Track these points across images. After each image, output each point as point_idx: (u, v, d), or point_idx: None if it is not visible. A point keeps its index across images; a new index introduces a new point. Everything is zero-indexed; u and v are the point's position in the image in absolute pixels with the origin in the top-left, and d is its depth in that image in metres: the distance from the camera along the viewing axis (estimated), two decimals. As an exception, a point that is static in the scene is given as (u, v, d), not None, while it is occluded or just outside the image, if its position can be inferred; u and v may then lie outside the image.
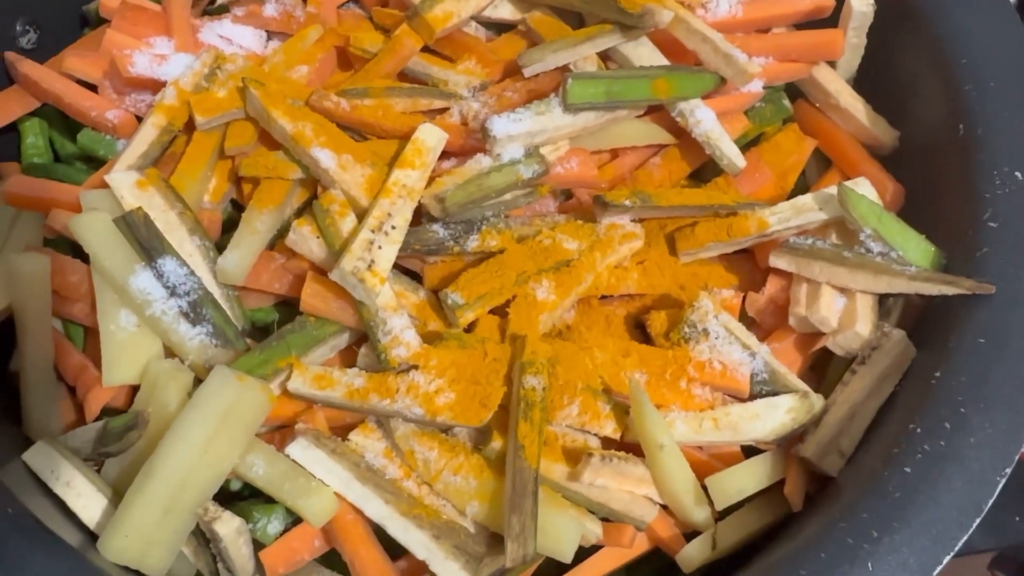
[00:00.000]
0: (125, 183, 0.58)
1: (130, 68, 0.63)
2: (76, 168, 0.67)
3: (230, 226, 0.63)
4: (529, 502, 0.51)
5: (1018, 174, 0.58)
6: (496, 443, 0.53)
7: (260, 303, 0.61)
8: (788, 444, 0.58)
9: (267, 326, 0.62)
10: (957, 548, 0.48)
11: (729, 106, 0.66)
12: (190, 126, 0.63)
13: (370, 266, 0.54)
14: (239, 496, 0.60)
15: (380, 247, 0.55)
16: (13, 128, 0.69)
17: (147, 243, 0.57)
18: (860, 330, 0.58)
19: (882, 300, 0.60)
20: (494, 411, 0.53)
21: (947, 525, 0.48)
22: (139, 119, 0.65)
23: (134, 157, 0.60)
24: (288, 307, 0.62)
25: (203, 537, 0.55)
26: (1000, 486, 0.50)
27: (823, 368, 0.63)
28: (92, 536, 0.55)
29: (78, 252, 0.61)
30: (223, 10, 0.71)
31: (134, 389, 0.59)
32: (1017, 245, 0.56)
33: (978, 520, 0.49)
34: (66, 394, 0.62)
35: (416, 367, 0.54)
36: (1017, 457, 0.50)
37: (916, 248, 0.59)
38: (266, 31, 0.71)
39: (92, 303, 0.60)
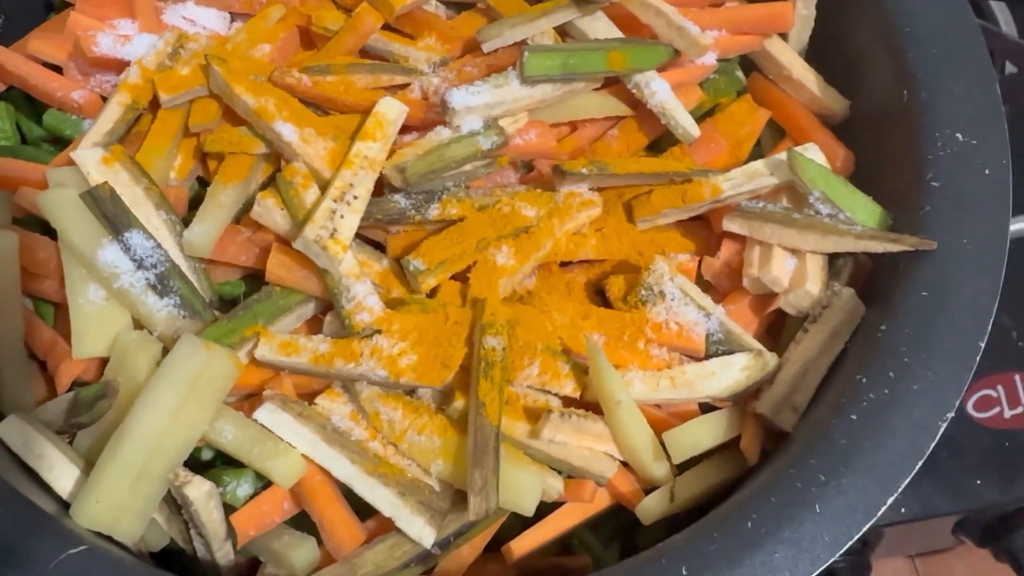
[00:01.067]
0: (91, 159, 0.59)
1: (94, 48, 0.64)
2: (43, 150, 0.68)
3: (196, 203, 0.64)
4: (491, 458, 0.52)
5: (959, 135, 0.60)
6: (459, 403, 0.55)
7: (227, 276, 0.63)
8: (744, 401, 0.60)
9: (234, 299, 0.63)
10: (900, 489, 0.50)
11: (684, 78, 0.68)
12: (155, 105, 0.64)
13: (332, 234, 0.56)
14: (211, 465, 0.61)
15: (342, 216, 0.57)
16: (-20, 113, 0.70)
17: (113, 217, 0.58)
18: (810, 288, 0.60)
19: (832, 260, 0.63)
20: (455, 371, 0.54)
21: (891, 468, 0.51)
22: (104, 99, 0.66)
23: (100, 135, 0.61)
24: (255, 280, 0.63)
25: (175, 504, 0.56)
26: (941, 431, 0.52)
27: (778, 331, 0.65)
28: (66, 507, 0.56)
29: (47, 231, 0.62)
30: (187, -8, 0.72)
31: (104, 362, 0.60)
32: (958, 202, 0.58)
33: (920, 462, 0.51)
34: (38, 371, 0.63)
35: (379, 331, 0.56)
36: (957, 403, 0.52)
37: (863, 209, 0.61)
38: (229, 12, 0.72)
39: (61, 279, 0.61)
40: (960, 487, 0.77)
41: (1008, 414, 0.80)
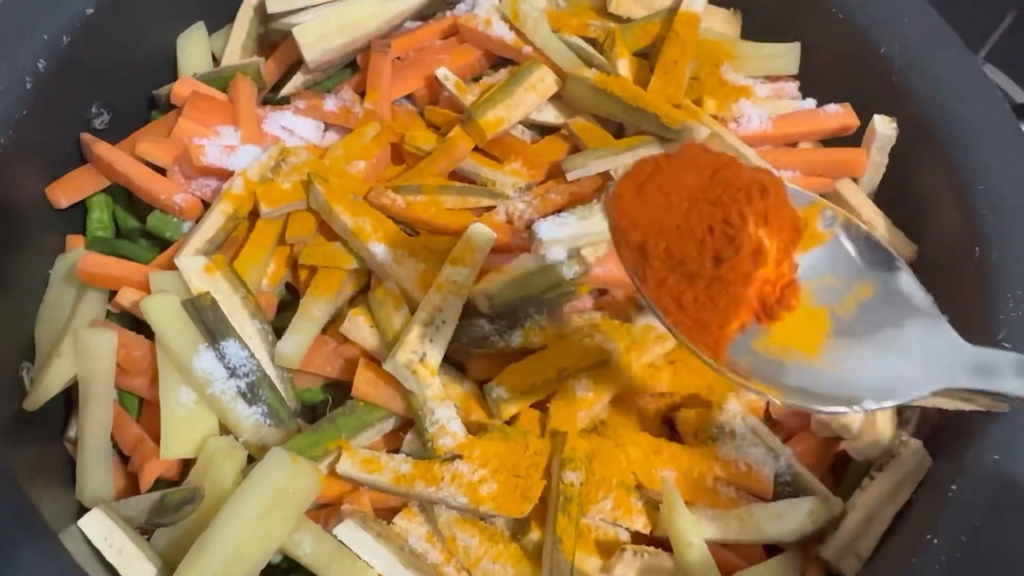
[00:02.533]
0: (194, 267, 0.62)
1: (202, 158, 0.67)
2: (140, 245, 0.71)
3: (283, 307, 0.67)
4: (564, 593, 0.53)
5: (1032, 298, 0.62)
6: (534, 534, 0.56)
7: (310, 384, 0.65)
8: (807, 545, 0.61)
9: (315, 405, 0.65)
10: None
11: (758, 216, 0.70)
12: (253, 214, 0.67)
13: (422, 359, 0.58)
14: (278, 569, 0.62)
15: (431, 341, 0.59)
16: (80, 203, 0.73)
17: (212, 326, 0.60)
18: (879, 438, 0.61)
19: (900, 410, 0.64)
20: (534, 504, 0.56)
21: (962, 636, 0.51)
22: (204, 203, 0.69)
23: (202, 241, 0.64)
24: (335, 388, 0.65)
25: (247, 610, 0.58)
26: (1013, 600, 0.52)
27: (840, 471, 0.66)
28: (141, 604, 0.57)
29: (137, 326, 0.65)
30: (285, 101, 0.76)
31: (186, 462, 0.62)
32: (1029, 367, 0.59)
33: (991, 632, 0.51)
34: (117, 463, 0.65)
35: (460, 456, 0.57)
36: (1028, 573, 0.53)
37: (933, 363, 0.63)
38: (324, 123, 0.75)
39: (152, 377, 0.63)
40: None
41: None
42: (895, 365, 0.45)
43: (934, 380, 0.45)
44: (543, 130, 0.76)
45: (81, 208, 0.73)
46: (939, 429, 0.63)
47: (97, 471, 0.63)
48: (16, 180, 0.67)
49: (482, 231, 0.64)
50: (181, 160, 0.69)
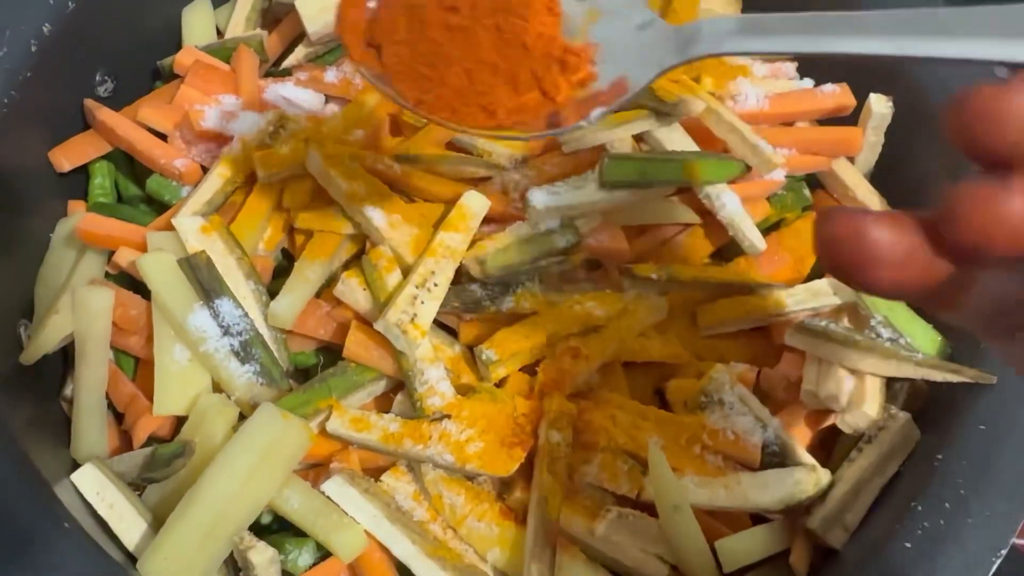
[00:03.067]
0: (191, 227, 0.63)
1: (202, 122, 0.68)
2: (140, 210, 0.72)
3: (279, 272, 0.68)
4: (548, 552, 0.54)
5: (1022, 273, 0.62)
6: (520, 494, 0.57)
7: (303, 347, 0.65)
8: (794, 515, 0.61)
9: (308, 369, 0.66)
10: (952, 623, 0.50)
11: (753, 192, 0.71)
12: (251, 179, 0.68)
13: (412, 319, 0.58)
14: (268, 529, 0.62)
15: (423, 302, 0.59)
16: (82, 169, 0.74)
17: (207, 284, 0.61)
18: (868, 410, 0.61)
19: (889, 383, 0.64)
20: (520, 462, 0.56)
21: (943, 601, 0.51)
22: (203, 169, 0.70)
23: (200, 204, 0.65)
24: (328, 352, 0.66)
25: (235, 567, 0.58)
26: (995, 567, 0.52)
27: (831, 445, 0.66)
28: (132, 559, 0.58)
29: (135, 288, 0.66)
30: (287, 73, 0.77)
31: (178, 420, 0.63)
32: (1018, 339, 0.59)
33: (973, 597, 0.51)
34: (112, 422, 0.66)
35: (449, 416, 0.58)
36: (1012, 540, 0.53)
37: (924, 336, 0.63)
38: (325, 94, 0.76)
39: (147, 337, 0.64)
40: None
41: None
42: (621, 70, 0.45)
43: (648, 73, 0.44)
44: (541, 106, 0.77)
45: (83, 174, 0.74)
46: (928, 402, 0.63)
47: (91, 428, 0.63)
48: (19, 142, 0.68)
49: (477, 198, 0.64)
50: (182, 126, 0.70)
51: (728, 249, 0.71)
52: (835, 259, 0.29)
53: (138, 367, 0.66)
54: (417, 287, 0.60)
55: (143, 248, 0.64)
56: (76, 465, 0.62)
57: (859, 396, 0.62)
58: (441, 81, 0.45)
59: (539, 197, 0.64)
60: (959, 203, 0.27)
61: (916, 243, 0.28)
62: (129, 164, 0.75)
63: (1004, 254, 0.27)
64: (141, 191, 0.74)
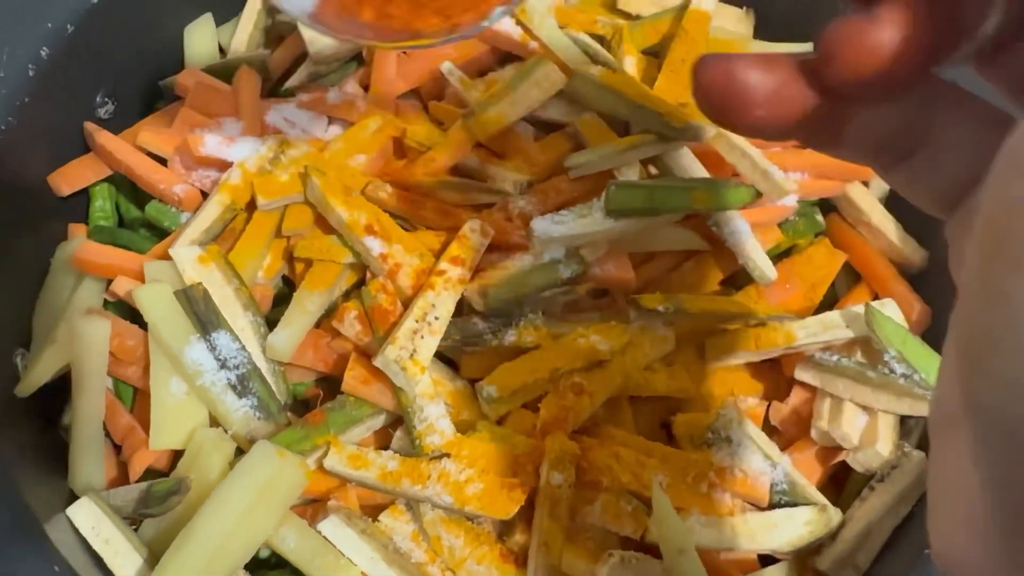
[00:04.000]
0: (188, 257, 0.62)
1: (201, 148, 0.67)
2: (140, 235, 0.71)
3: (279, 300, 0.67)
4: (549, 597, 0.52)
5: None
6: (520, 536, 0.55)
7: (303, 378, 0.64)
8: (804, 556, 0.59)
9: (308, 400, 0.64)
10: None
11: (764, 218, 0.69)
12: (250, 205, 0.67)
13: (412, 355, 0.57)
14: (266, 564, 0.62)
15: (423, 337, 0.58)
16: (83, 191, 0.74)
17: (204, 317, 0.60)
18: (880, 449, 0.60)
19: (903, 420, 0.62)
20: (520, 505, 0.55)
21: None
22: (203, 194, 0.69)
23: (197, 232, 0.64)
24: (328, 383, 0.64)
25: (231, 604, 0.57)
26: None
27: (842, 480, 0.65)
28: (126, 595, 0.57)
29: (133, 316, 0.65)
30: (289, 94, 0.76)
31: (176, 453, 0.62)
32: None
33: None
34: (110, 451, 0.65)
35: (448, 455, 0.56)
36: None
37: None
38: (327, 116, 0.75)
39: (144, 367, 0.63)
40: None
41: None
42: None
43: None
44: (547, 127, 0.75)
45: (84, 196, 0.74)
46: (943, 441, 0.61)
47: (89, 459, 0.62)
48: (18, 167, 0.68)
49: (479, 228, 0.63)
50: (181, 150, 0.69)
51: (738, 277, 0.70)
52: (708, 102, 0.30)
53: (136, 397, 0.65)
54: (417, 321, 0.58)
55: (140, 276, 0.64)
56: (73, 496, 0.62)
57: (871, 434, 0.60)
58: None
59: (543, 226, 0.63)
60: (831, 41, 0.28)
61: (786, 81, 0.29)
62: (131, 187, 0.74)
63: (878, 85, 0.28)
64: (143, 214, 0.73)
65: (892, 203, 0.74)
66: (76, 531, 0.59)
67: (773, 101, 0.29)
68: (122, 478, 0.65)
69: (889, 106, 0.31)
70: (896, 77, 0.27)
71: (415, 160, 0.70)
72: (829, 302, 0.70)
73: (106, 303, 0.67)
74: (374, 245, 0.62)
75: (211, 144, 0.67)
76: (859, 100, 0.30)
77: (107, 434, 0.65)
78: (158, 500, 0.58)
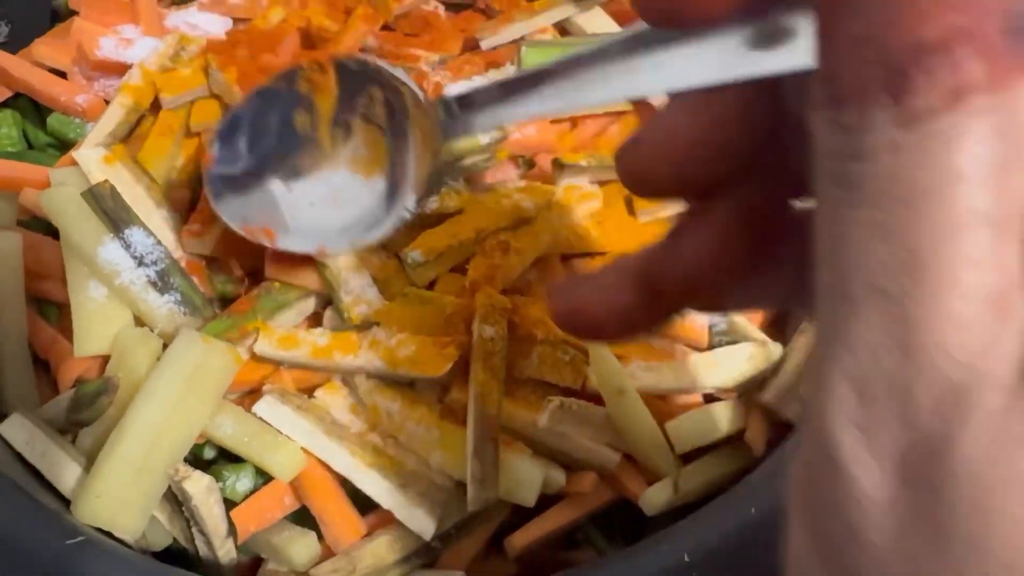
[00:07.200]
0: (92, 159, 0.60)
1: (97, 52, 0.65)
2: (48, 154, 0.68)
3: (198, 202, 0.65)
4: (490, 448, 0.52)
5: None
6: (457, 394, 0.55)
7: (228, 273, 0.62)
8: (749, 393, 0.59)
9: (236, 297, 0.63)
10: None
11: (683, 71, 0.68)
12: (156, 107, 0.65)
13: (330, 227, 0.56)
14: (215, 464, 0.60)
15: (340, 209, 0.57)
16: (-13, 120, 0.71)
17: (114, 214, 0.58)
18: (814, 277, 0.59)
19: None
20: (454, 361, 0.54)
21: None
22: (108, 103, 0.67)
23: (102, 135, 0.62)
24: (256, 277, 0.63)
25: (176, 502, 0.56)
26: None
27: (784, 324, 0.64)
28: (67, 504, 0.56)
29: (51, 233, 0.63)
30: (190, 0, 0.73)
31: (106, 360, 0.60)
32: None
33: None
34: (42, 373, 0.64)
35: (378, 323, 0.55)
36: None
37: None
38: (232, 17, 0.72)
39: (64, 280, 0.61)
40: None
41: None
42: None
43: None
44: (459, 8, 0.73)
45: (-11, 126, 0.71)
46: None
47: (16, 378, 0.61)
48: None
49: (390, 100, 0.61)
50: (79, 60, 0.67)
51: (664, 135, 0.69)
52: (568, 329, 0.32)
53: (61, 313, 0.63)
54: (333, 195, 0.57)
55: (48, 187, 0.61)
56: (4, 418, 0.60)
57: (804, 264, 0.60)
58: None
59: (456, 92, 0.61)
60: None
61: (633, 301, 0.30)
62: (36, 110, 0.72)
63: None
64: (51, 138, 0.70)
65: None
66: (11, 448, 0.57)
67: (625, 320, 0.30)
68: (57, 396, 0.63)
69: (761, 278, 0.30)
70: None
71: (322, 48, 0.68)
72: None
73: (20, 223, 0.65)
74: (284, 127, 0.60)
75: (107, 47, 0.65)
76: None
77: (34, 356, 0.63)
78: (87, 403, 0.56)
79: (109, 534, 0.54)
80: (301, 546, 0.54)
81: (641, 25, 0.27)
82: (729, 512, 0.50)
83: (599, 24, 0.68)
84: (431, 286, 0.59)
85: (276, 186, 0.55)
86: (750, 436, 0.57)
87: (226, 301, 0.62)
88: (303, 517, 0.57)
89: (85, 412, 0.56)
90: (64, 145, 0.69)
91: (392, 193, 0.53)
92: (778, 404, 0.57)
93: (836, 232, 0.19)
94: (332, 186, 0.54)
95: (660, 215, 0.64)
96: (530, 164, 0.67)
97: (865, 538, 0.19)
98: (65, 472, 0.56)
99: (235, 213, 0.56)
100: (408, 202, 0.52)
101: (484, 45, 0.66)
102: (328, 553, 0.55)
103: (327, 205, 0.54)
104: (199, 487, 0.54)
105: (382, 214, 0.53)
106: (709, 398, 0.60)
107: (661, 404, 0.59)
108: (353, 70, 0.53)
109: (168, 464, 0.54)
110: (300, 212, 0.55)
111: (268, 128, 0.54)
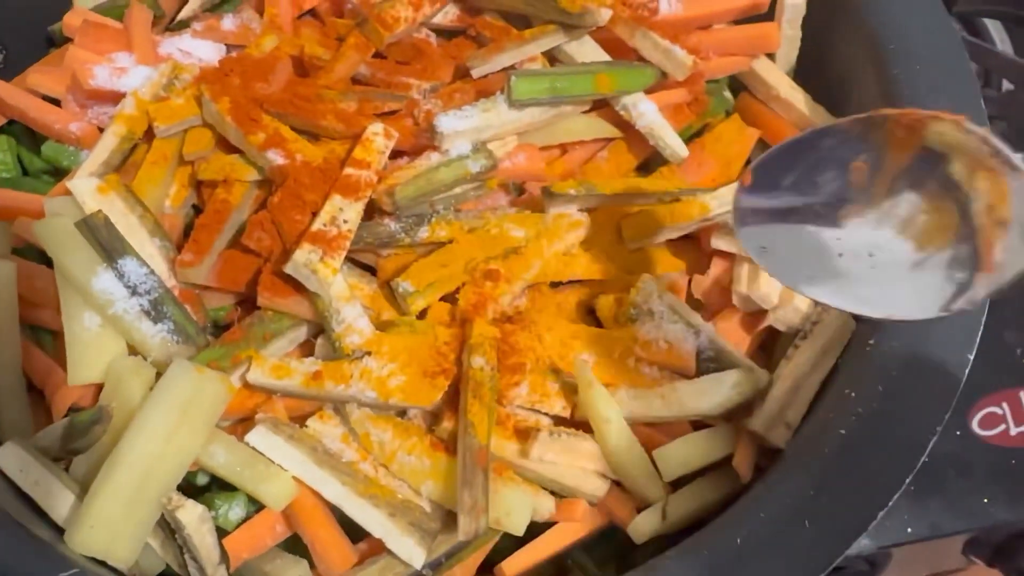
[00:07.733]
0: (86, 188, 0.61)
1: (91, 80, 0.65)
2: (43, 181, 0.69)
3: (191, 230, 0.66)
4: (480, 478, 0.52)
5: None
6: (448, 423, 0.55)
7: (221, 302, 0.63)
8: (736, 419, 0.60)
9: (228, 324, 0.64)
10: (890, 503, 0.50)
11: (671, 99, 0.69)
12: (150, 135, 0.65)
13: (322, 258, 0.56)
14: (207, 491, 0.61)
15: (333, 239, 0.57)
16: (-16, 147, 0.71)
17: (108, 244, 0.59)
18: (799, 304, 0.60)
19: (822, 277, 0.62)
20: (444, 391, 0.55)
21: (881, 483, 0.50)
22: (102, 130, 0.67)
23: (96, 165, 0.63)
24: (249, 305, 0.63)
25: (169, 530, 0.57)
26: (930, 446, 0.51)
27: (772, 349, 0.65)
28: (63, 533, 0.56)
29: (46, 262, 0.63)
30: (183, 26, 0.74)
31: (100, 388, 0.61)
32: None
33: (910, 477, 0.50)
34: (37, 400, 0.64)
35: (369, 353, 0.56)
36: (947, 416, 0.52)
37: (851, 225, 0.61)
38: (225, 44, 0.73)
39: (59, 308, 0.61)
40: (967, 506, 0.75)
41: (1014, 431, 0.78)
42: None
43: None
44: (450, 35, 0.74)
45: (-17, 152, 0.72)
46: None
47: (11, 406, 0.61)
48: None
49: (381, 131, 0.62)
50: (73, 88, 0.67)
51: (653, 161, 0.69)
52: None
53: (56, 341, 0.64)
54: (325, 225, 0.58)
55: (42, 216, 0.62)
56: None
57: (789, 292, 0.61)
58: None
59: (447, 122, 0.62)
60: None
61: None
62: (31, 137, 0.72)
63: None
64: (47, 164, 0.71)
65: (800, 75, 0.74)
66: (4, 476, 0.58)
67: None
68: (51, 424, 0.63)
69: None
70: None
71: (315, 76, 0.69)
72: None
73: (15, 251, 0.65)
74: (275, 157, 0.61)
75: (101, 76, 0.66)
76: None
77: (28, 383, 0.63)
78: (81, 432, 0.57)
79: (103, 563, 0.54)
80: (293, 574, 0.55)
81: None
82: (718, 539, 0.51)
83: (589, 53, 0.69)
84: (422, 315, 0.60)
85: (820, 231, 0.50)
86: (737, 462, 0.58)
87: (219, 328, 0.63)
88: (295, 545, 0.57)
89: (79, 441, 0.57)
90: (58, 172, 0.69)
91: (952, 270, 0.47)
92: (765, 431, 0.58)
93: None
94: (867, 243, 0.49)
95: (649, 242, 0.65)
96: (520, 191, 0.68)
97: None
98: (59, 500, 0.57)
99: (755, 242, 0.51)
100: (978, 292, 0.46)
101: (475, 73, 0.67)
102: (320, 581, 0.55)
103: (855, 259, 0.49)
104: (192, 516, 0.54)
105: (934, 286, 0.47)
106: (699, 424, 0.61)
107: (649, 431, 0.59)
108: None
109: (161, 493, 0.55)
110: (830, 261, 0.50)
111: (820, 169, 0.49)
